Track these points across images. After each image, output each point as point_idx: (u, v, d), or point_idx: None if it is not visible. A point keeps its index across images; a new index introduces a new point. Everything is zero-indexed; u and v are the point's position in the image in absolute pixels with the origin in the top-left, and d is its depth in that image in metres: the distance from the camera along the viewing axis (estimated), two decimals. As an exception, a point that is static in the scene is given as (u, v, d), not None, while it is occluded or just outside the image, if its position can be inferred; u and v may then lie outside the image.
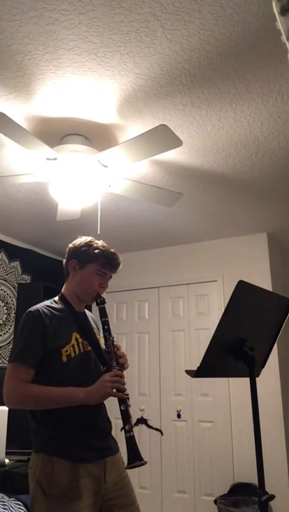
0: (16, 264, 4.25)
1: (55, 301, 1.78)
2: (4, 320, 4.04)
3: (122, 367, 1.68)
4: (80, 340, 1.68)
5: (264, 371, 1.69)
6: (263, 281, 3.84)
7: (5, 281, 4.10)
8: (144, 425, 4.00)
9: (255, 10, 1.61)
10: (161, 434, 3.97)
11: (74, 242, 1.84)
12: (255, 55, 1.83)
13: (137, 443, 1.57)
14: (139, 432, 4.02)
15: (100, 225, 3.08)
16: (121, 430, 1.64)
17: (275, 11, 1.00)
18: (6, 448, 2.51)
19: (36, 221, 3.73)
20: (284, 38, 1.03)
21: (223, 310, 1.47)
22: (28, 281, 4.36)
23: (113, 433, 1.79)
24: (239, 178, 2.94)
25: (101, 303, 1.75)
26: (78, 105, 2.16)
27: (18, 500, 2.16)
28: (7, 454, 2.52)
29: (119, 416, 1.61)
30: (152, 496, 3.97)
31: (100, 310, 1.74)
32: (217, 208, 3.47)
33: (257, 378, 1.48)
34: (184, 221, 3.75)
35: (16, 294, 4.19)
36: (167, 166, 2.75)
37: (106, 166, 2.34)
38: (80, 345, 1.68)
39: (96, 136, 2.42)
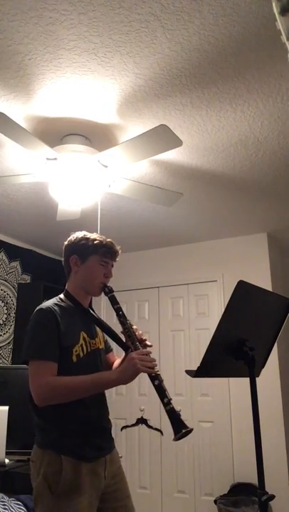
0: (16, 264, 4.25)
1: (61, 299, 1.77)
2: (4, 320, 4.04)
3: (146, 346, 1.71)
4: (87, 339, 1.70)
5: (264, 371, 1.69)
6: (263, 281, 3.84)
7: (5, 281, 4.10)
8: (144, 425, 4.00)
9: (255, 10, 1.61)
10: (161, 434, 3.97)
11: (69, 239, 1.84)
12: (255, 55, 1.83)
13: (179, 413, 1.57)
14: (139, 432, 4.03)
15: (100, 225, 3.08)
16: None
17: (275, 11, 1.00)
18: (6, 448, 2.50)
19: (36, 221, 3.73)
20: (284, 38, 1.03)
21: (223, 310, 1.47)
22: (28, 281, 4.36)
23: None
24: (239, 178, 2.94)
25: (109, 292, 1.77)
26: (78, 105, 2.16)
27: (18, 500, 2.16)
28: (7, 454, 2.52)
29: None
30: (152, 496, 3.97)
31: (110, 298, 1.76)
32: (217, 208, 3.47)
33: (257, 378, 1.48)
34: (184, 221, 3.75)
35: (16, 294, 4.19)
36: (167, 166, 2.75)
37: (106, 166, 2.34)
38: (88, 344, 1.70)
39: (96, 136, 2.42)
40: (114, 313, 1.78)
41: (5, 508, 2.05)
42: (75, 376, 1.56)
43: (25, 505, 2.13)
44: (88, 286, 1.78)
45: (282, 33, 1.02)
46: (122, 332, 1.75)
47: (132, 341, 1.69)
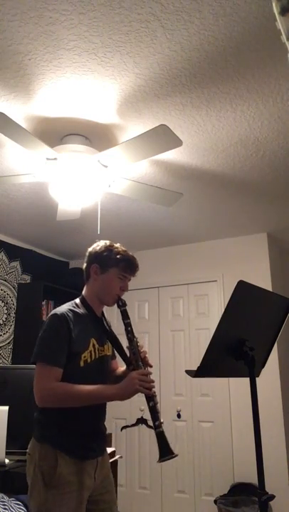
0: (16, 264, 4.25)
1: (76, 304, 1.83)
2: (4, 320, 4.04)
3: (147, 365, 1.77)
4: (96, 346, 1.77)
5: (264, 371, 1.69)
6: (263, 281, 3.84)
7: (5, 281, 4.10)
8: (144, 425, 3.99)
9: (255, 10, 1.61)
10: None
11: (94, 246, 1.89)
12: (255, 55, 1.83)
13: (167, 437, 1.64)
14: (139, 432, 4.03)
15: (100, 225, 3.08)
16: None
17: (275, 11, 1.00)
18: (6, 448, 2.50)
19: (36, 221, 3.73)
20: (284, 38, 1.03)
21: (223, 310, 1.47)
22: (28, 281, 4.36)
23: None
24: (239, 178, 2.94)
25: (122, 305, 1.83)
26: (78, 105, 2.16)
27: (18, 500, 2.16)
28: (7, 454, 2.51)
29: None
30: (152, 496, 3.97)
31: (122, 312, 1.82)
32: (217, 208, 3.47)
33: (257, 378, 1.48)
34: (184, 221, 3.75)
35: (16, 294, 4.19)
36: (167, 166, 2.75)
37: (106, 166, 2.34)
38: (97, 351, 1.76)
39: (96, 136, 2.42)
40: (118, 323, 1.83)
41: (5, 508, 2.05)
42: (77, 385, 1.62)
43: (25, 505, 2.13)
44: (103, 296, 1.84)
45: (282, 33, 1.02)
46: (127, 347, 1.80)
47: (135, 359, 1.75)
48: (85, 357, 1.70)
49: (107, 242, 1.87)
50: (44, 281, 4.20)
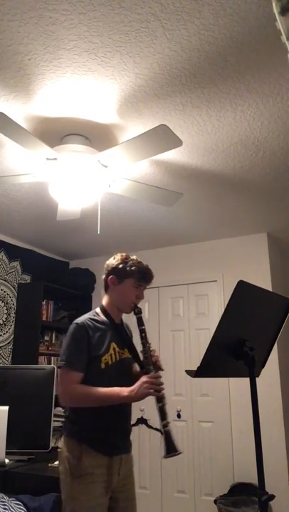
0: (16, 264, 4.25)
1: (96, 313, 2.00)
2: (4, 320, 4.04)
3: (159, 369, 1.90)
4: (117, 349, 1.92)
5: (264, 371, 1.69)
6: (263, 281, 3.84)
7: (5, 281, 4.10)
8: (144, 425, 3.99)
9: (255, 10, 1.61)
10: (162, 434, 3.96)
11: (111, 259, 2.05)
12: (255, 55, 1.83)
13: (174, 436, 1.80)
14: (139, 432, 4.03)
15: (100, 225, 3.08)
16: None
17: (275, 11, 1.00)
18: (6, 448, 2.50)
19: (36, 221, 3.73)
20: (284, 38, 1.03)
21: (223, 310, 1.47)
22: (28, 281, 4.36)
23: None
24: (239, 178, 2.94)
25: (138, 313, 1.98)
26: (78, 105, 2.16)
27: (18, 500, 2.16)
28: (7, 454, 2.51)
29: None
30: (152, 496, 3.97)
31: (138, 319, 1.96)
32: (217, 208, 3.47)
33: (257, 378, 1.48)
34: (184, 221, 3.75)
35: (16, 294, 4.19)
36: (167, 166, 2.75)
37: (106, 166, 2.34)
38: (117, 354, 1.92)
39: (96, 136, 2.42)
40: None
41: (5, 508, 2.05)
42: (94, 388, 1.78)
43: (25, 505, 2.13)
44: (120, 304, 2.00)
45: (282, 33, 1.02)
46: (140, 351, 1.95)
47: (146, 363, 1.89)
48: (105, 359, 1.85)
49: (123, 255, 2.02)
50: (44, 281, 4.20)
